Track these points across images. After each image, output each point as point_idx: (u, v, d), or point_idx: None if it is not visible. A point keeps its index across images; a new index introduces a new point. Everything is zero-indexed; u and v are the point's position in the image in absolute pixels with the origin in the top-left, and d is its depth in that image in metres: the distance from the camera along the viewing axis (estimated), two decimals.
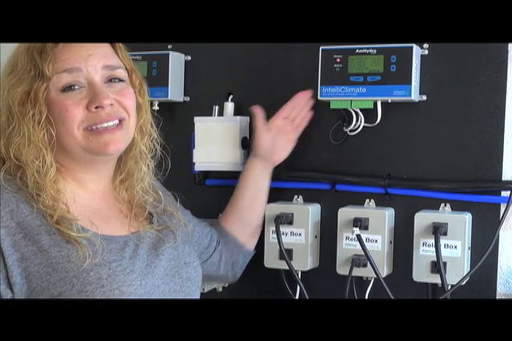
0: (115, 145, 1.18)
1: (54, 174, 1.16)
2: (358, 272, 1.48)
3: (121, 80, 1.22)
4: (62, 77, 1.16)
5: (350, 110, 1.53)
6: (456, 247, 1.42)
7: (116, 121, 1.19)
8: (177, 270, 1.24)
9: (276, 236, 1.52)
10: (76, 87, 1.17)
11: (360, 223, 1.47)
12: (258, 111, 1.54)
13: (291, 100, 1.55)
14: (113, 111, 1.18)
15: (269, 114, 1.63)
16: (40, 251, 1.09)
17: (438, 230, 1.41)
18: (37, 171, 1.14)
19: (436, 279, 1.42)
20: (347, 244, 1.50)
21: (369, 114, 1.52)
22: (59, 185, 1.17)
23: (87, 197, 1.22)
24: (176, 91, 1.69)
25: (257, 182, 1.54)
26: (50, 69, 1.15)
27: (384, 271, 1.48)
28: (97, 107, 1.16)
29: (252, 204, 1.53)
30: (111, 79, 1.20)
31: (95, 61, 1.18)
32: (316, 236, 1.57)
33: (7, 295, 1.08)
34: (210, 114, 1.65)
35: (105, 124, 1.17)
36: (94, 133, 1.17)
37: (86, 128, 1.16)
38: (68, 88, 1.17)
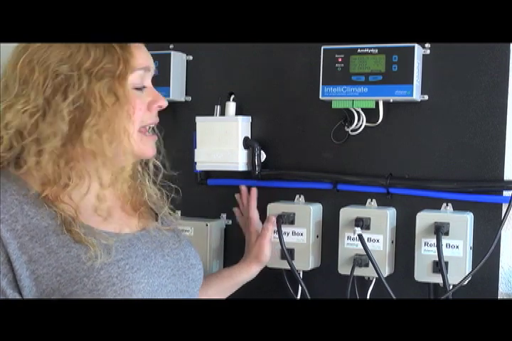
0: (154, 151, 1.24)
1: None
2: (359, 272, 1.49)
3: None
4: (138, 74, 1.19)
5: (352, 110, 1.53)
6: (457, 247, 1.42)
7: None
8: (184, 271, 1.24)
9: (277, 235, 1.52)
10: (144, 88, 1.21)
11: (362, 223, 1.47)
12: (274, 222, 1.53)
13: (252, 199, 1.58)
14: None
15: (272, 114, 1.64)
16: (49, 253, 1.08)
17: (440, 230, 1.41)
18: (107, 158, 1.15)
19: (437, 279, 1.42)
20: (349, 244, 1.50)
21: (371, 113, 1.52)
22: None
23: (89, 196, 1.20)
24: (177, 90, 1.69)
25: (243, 282, 1.52)
26: (135, 64, 1.18)
27: (385, 271, 1.48)
28: (158, 107, 1.22)
29: (224, 294, 1.50)
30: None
31: (153, 65, 1.24)
32: (317, 236, 1.57)
33: (15, 298, 1.06)
34: (211, 113, 1.65)
35: (149, 126, 1.23)
36: (145, 136, 1.21)
37: (139, 130, 1.19)
38: (139, 88, 1.20)
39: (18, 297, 1.07)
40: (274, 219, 1.53)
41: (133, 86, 1.18)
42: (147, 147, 1.22)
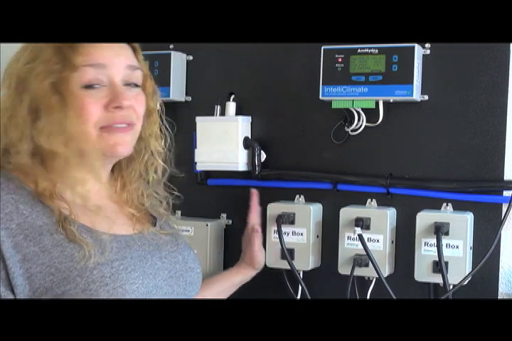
0: (124, 147, 1.18)
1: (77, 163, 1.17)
2: (359, 272, 1.49)
3: (136, 85, 1.22)
4: (87, 72, 1.16)
5: (352, 110, 1.53)
6: (457, 247, 1.42)
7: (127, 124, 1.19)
8: (181, 273, 1.24)
9: (277, 235, 1.52)
10: (97, 86, 1.16)
11: (362, 223, 1.47)
12: (259, 231, 1.53)
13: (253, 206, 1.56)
14: (128, 114, 1.18)
15: (272, 114, 1.64)
16: (42, 252, 1.09)
17: (440, 230, 1.41)
18: (66, 161, 1.14)
19: (437, 279, 1.42)
20: (349, 244, 1.50)
21: (371, 113, 1.52)
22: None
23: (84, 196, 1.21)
24: (177, 91, 1.69)
25: (241, 283, 1.53)
26: (79, 61, 1.15)
27: (386, 271, 1.48)
28: (116, 107, 1.16)
29: (222, 296, 1.51)
30: (128, 84, 1.20)
31: (119, 61, 1.18)
32: (317, 236, 1.57)
33: (8, 296, 1.07)
34: (211, 113, 1.65)
35: (118, 125, 1.17)
36: (107, 132, 1.17)
37: (101, 128, 1.16)
38: (90, 86, 1.16)
39: (10, 295, 1.07)
40: (258, 228, 1.53)
41: (81, 84, 1.15)
42: (112, 145, 1.17)
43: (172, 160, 1.33)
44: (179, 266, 1.25)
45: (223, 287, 1.50)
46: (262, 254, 1.53)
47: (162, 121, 1.32)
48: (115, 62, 1.18)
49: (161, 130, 1.31)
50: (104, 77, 1.17)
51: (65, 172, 1.15)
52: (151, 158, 1.28)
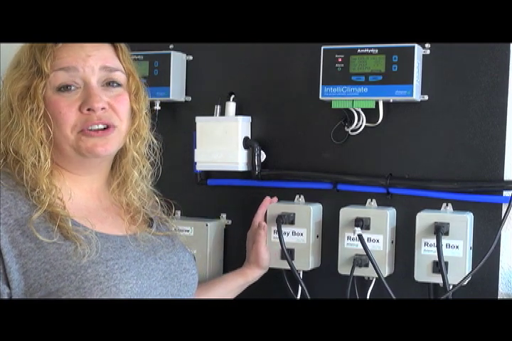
0: (103, 147, 1.18)
1: (49, 168, 1.16)
2: (359, 272, 1.49)
3: (118, 85, 1.22)
4: (59, 76, 1.17)
5: (352, 110, 1.53)
6: (457, 247, 1.42)
7: (106, 125, 1.19)
8: (176, 274, 1.25)
9: (277, 235, 1.52)
10: (72, 87, 1.17)
11: (362, 223, 1.47)
12: (266, 228, 1.55)
13: (263, 206, 1.58)
14: (105, 115, 1.18)
15: (272, 114, 1.64)
16: (38, 248, 1.10)
17: (440, 230, 1.41)
18: (33, 165, 1.15)
19: (437, 279, 1.42)
20: (348, 244, 1.50)
21: (371, 113, 1.52)
22: (55, 182, 1.18)
23: (82, 197, 1.22)
24: (177, 91, 1.69)
25: (247, 284, 1.54)
26: (49, 67, 1.16)
27: (385, 271, 1.48)
28: (88, 109, 1.16)
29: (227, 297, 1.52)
30: (109, 83, 1.20)
31: (93, 62, 1.18)
32: (317, 236, 1.57)
33: (4, 291, 1.09)
34: (211, 113, 1.65)
35: (95, 127, 1.18)
36: (85, 135, 1.17)
37: (79, 131, 1.17)
38: (64, 88, 1.17)
39: (6, 290, 1.09)
40: (265, 225, 1.54)
41: (55, 87, 1.17)
42: (87, 145, 1.17)
43: (162, 161, 1.33)
44: (174, 267, 1.25)
45: (228, 288, 1.50)
46: (267, 251, 1.54)
47: (155, 120, 1.32)
48: (88, 64, 1.18)
49: (155, 130, 1.32)
50: (79, 79, 1.18)
51: (36, 177, 1.15)
52: (132, 160, 1.28)
